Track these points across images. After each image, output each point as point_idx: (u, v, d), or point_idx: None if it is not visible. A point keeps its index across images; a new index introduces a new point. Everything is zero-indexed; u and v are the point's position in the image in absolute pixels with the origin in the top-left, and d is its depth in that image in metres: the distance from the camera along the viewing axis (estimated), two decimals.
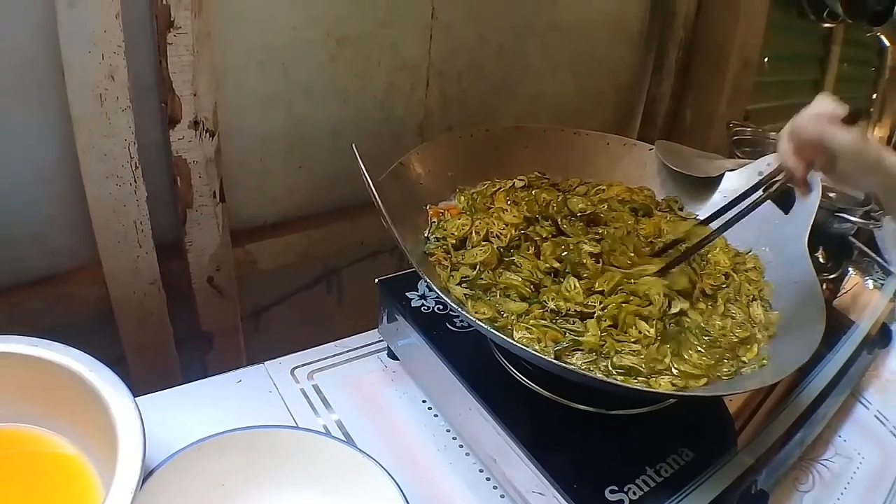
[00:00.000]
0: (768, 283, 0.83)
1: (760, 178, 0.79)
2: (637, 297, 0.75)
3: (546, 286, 0.76)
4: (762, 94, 1.64)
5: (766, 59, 1.64)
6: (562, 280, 0.77)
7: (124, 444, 0.59)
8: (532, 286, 0.76)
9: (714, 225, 0.83)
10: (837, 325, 0.93)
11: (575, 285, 0.75)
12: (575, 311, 0.73)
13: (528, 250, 0.81)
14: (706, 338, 0.73)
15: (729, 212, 0.80)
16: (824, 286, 0.78)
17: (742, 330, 0.75)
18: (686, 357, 0.70)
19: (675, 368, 0.69)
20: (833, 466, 0.84)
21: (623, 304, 0.73)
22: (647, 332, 0.71)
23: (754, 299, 0.80)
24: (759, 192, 0.77)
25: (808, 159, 0.68)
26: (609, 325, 0.72)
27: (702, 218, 0.89)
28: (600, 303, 0.73)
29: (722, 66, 1.47)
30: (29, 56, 0.80)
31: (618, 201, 0.92)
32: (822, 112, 0.66)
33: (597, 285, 0.75)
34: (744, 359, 0.72)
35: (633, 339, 0.71)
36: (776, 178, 0.76)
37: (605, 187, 0.94)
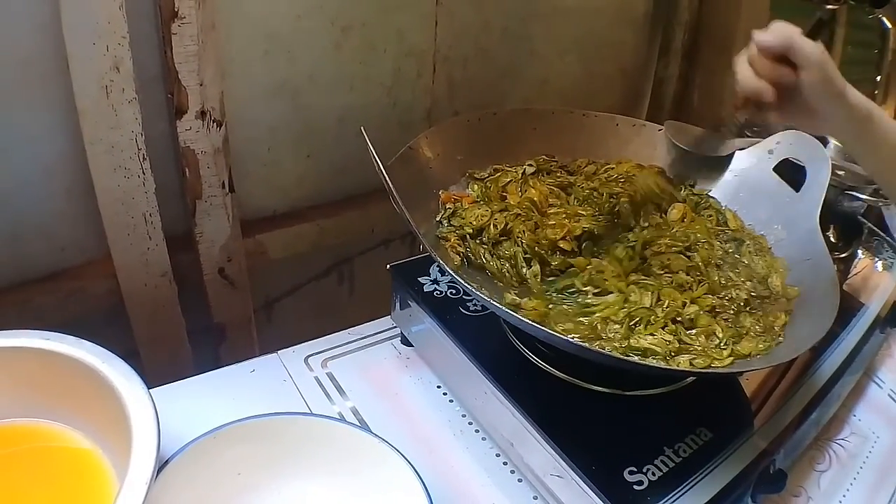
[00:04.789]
0: (781, 258, 0.82)
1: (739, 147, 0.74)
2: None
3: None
4: None
5: None
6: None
7: (138, 436, 0.58)
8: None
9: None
10: (848, 306, 0.92)
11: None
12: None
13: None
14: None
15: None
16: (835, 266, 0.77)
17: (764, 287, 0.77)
18: (742, 326, 0.71)
19: (734, 349, 0.69)
20: (849, 446, 0.84)
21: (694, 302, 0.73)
22: (718, 333, 0.70)
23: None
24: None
25: (773, 78, 0.61)
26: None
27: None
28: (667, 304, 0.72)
29: (728, 47, 1.45)
30: (33, 50, 0.80)
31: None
32: (782, 26, 0.61)
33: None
34: (776, 326, 0.72)
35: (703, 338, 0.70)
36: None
37: (613, 165, 0.93)
